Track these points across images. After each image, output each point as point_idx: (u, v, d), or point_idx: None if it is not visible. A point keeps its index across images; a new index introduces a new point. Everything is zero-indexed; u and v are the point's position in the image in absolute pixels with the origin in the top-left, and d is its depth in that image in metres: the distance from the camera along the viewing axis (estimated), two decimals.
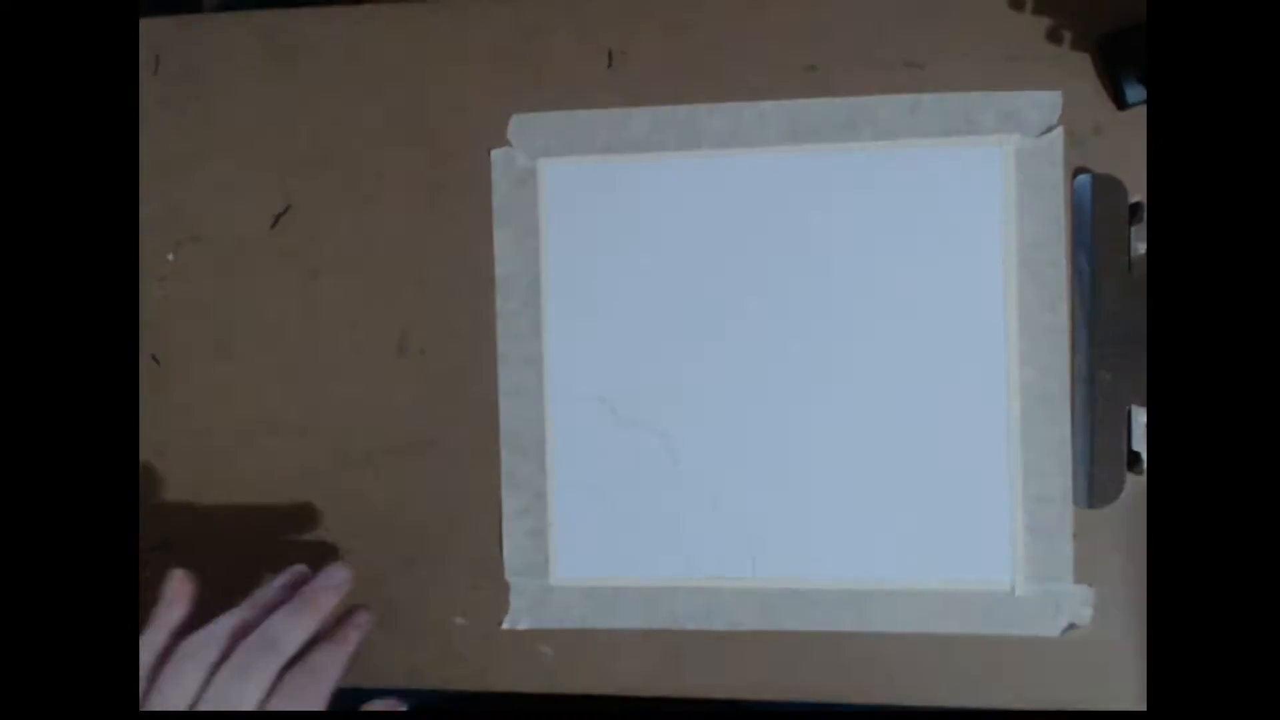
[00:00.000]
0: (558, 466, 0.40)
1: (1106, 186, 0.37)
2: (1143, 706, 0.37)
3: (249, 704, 0.33)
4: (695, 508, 0.39)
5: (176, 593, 0.36)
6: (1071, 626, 0.38)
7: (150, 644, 0.34)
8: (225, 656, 0.33)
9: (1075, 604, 0.38)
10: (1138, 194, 0.37)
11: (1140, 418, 0.37)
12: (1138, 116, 0.37)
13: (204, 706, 0.32)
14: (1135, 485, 0.37)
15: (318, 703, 0.34)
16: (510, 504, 0.40)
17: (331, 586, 0.36)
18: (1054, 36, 0.38)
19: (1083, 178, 0.38)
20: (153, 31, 0.42)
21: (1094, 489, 0.37)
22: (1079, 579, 0.38)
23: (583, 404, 0.40)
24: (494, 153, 0.40)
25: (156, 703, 0.33)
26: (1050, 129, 0.38)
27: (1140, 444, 0.37)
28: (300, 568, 0.37)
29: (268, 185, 0.41)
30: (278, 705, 0.33)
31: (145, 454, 0.42)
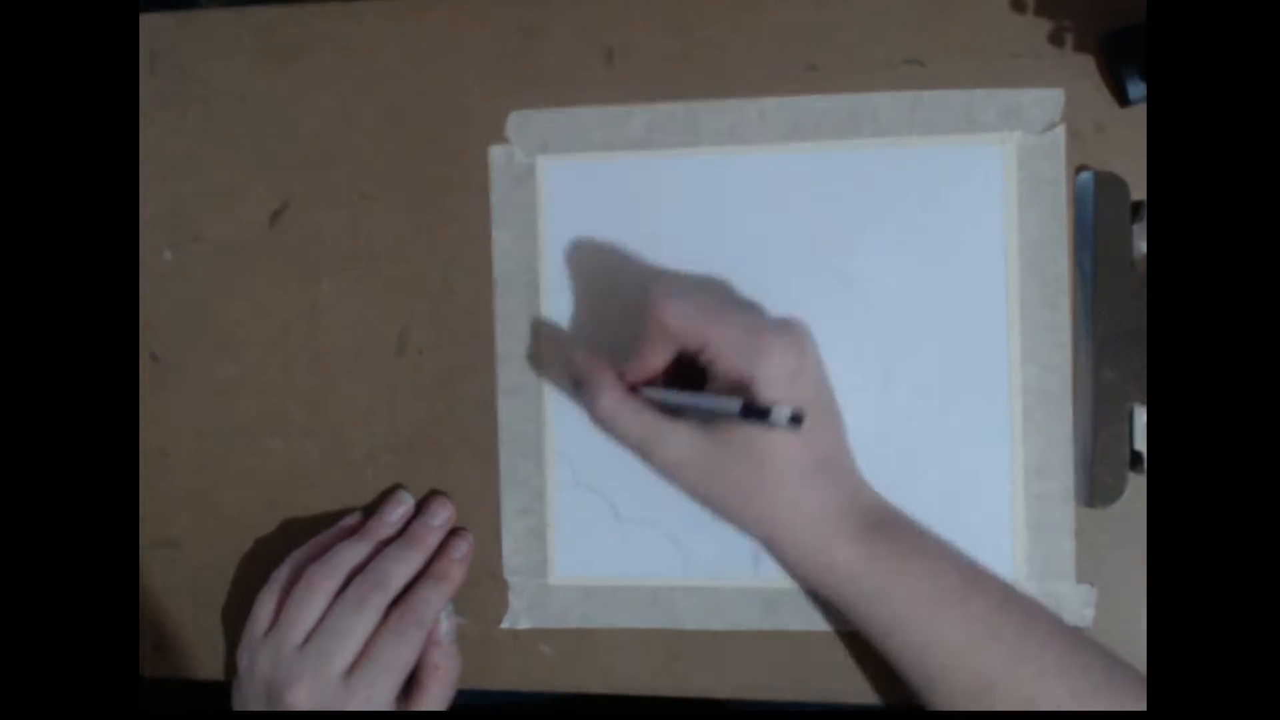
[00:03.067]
0: (558, 466, 0.40)
1: (1108, 184, 0.37)
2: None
3: (360, 636, 0.36)
4: (695, 507, 0.39)
5: (343, 522, 0.40)
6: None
7: (295, 563, 0.39)
8: (343, 589, 0.37)
9: (1076, 603, 0.38)
10: (1140, 192, 0.37)
11: (1142, 416, 0.37)
12: (1140, 114, 0.37)
13: (321, 635, 0.36)
14: (1137, 484, 0.37)
15: (418, 638, 0.37)
16: (510, 503, 0.40)
17: (436, 525, 0.39)
18: (1056, 34, 0.38)
19: (1085, 175, 0.38)
20: (149, 29, 0.42)
21: (1095, 488, 0.37)
22: (1080, 578, 0.38)
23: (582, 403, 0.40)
24: (493, 150, 0.40)
25: (283, 625, 0.37)
26: (1052, 126, 0.38)
27: (1142, 443, 0.37)
28: (407, 497, 0.40)
29: (267, 184, 0.41)
30: (383, 641, 0.36)
31: (145, 453, 0.42)
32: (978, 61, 0.38)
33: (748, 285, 0.39)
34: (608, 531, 0.40)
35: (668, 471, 0.35)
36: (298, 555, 0.39)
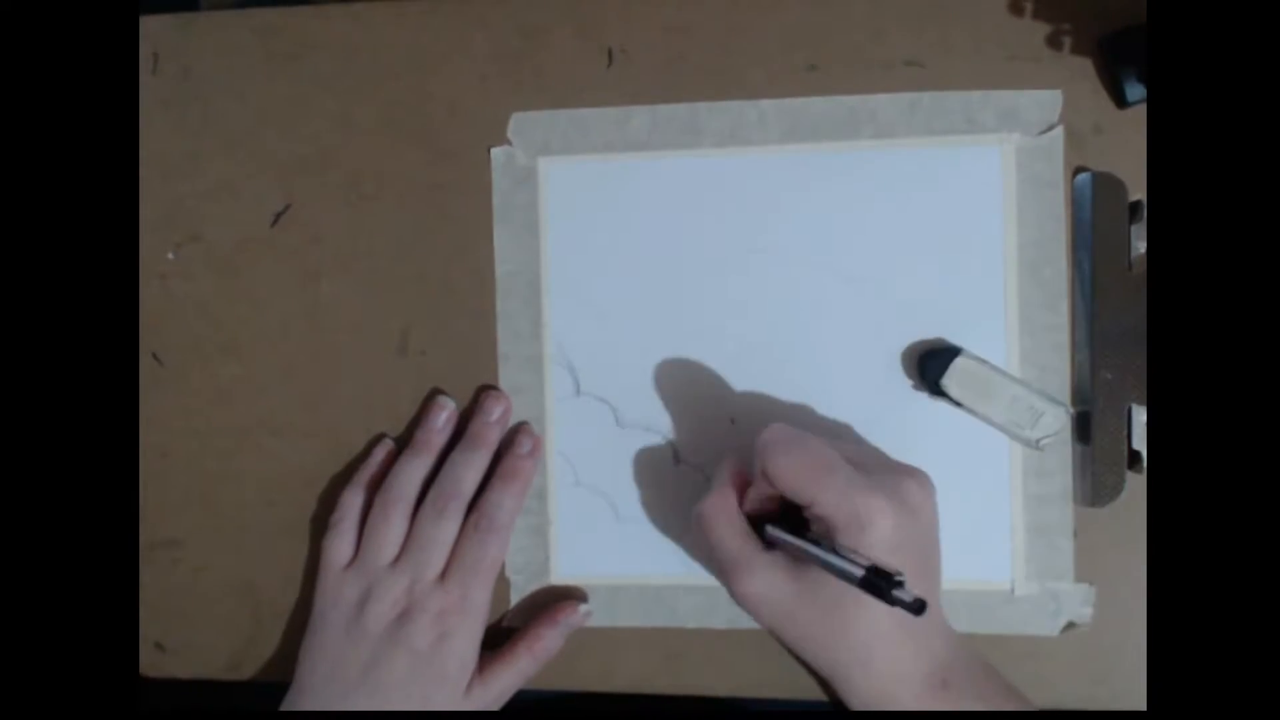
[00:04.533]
0: (558, 466, 0.40)
1: (1106, 185, 0.37)
2: (1143, 706, 0.37)
3: (446, 543, 0.37)
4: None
5: (377, 453, 0.40)
6: (1071, 625, 0.38)
7: (351, 502, 0.39)
8: (419, 502, 0.38)
9: (1075, 603, 0.38)
10: (1138, 193, 0.37)
11: (1140, 416, 0.37)
12: (1138, 115, 0.37)
13: (409, 549, 0.37)
14: (1135, 484, 0.37)
15: (499, 540, 0.38)
16: None
17: (494, 421, 0.39)
18: (1054, 36, 0.38)
19: (1083, 176, 0.38)
20: (151, 30, 0.42)
21: (1094, 488, 0.37)
22: (1079, 578, 0.38)
23: (583, 403, 0.40)
24: (494, 151, 0.40)
25: (368, 551, 0.38)
26: (1050, 128, 0.38)
27: (1140, 442, 0.37)
28: (448, 401, 0.40)
29: (267, 184, 0.41)
30: (466, 545, 0.37)
31: (146, 454, 0.42)
32: (977, 63, 0.38)
33: (748, 285, 0.39)
34: (608, 531, 0.40)
35: (746, 601, 0.34)
36: (349, 493, 0.39)
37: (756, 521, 0.34)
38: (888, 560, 0.31)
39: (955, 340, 0.38)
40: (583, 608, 0.39)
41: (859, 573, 0.30)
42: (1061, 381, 0.38)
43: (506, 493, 0.38)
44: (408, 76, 0.41)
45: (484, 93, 0.40)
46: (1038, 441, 0.36)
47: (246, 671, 0.42)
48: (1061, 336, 0.38)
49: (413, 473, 0.39)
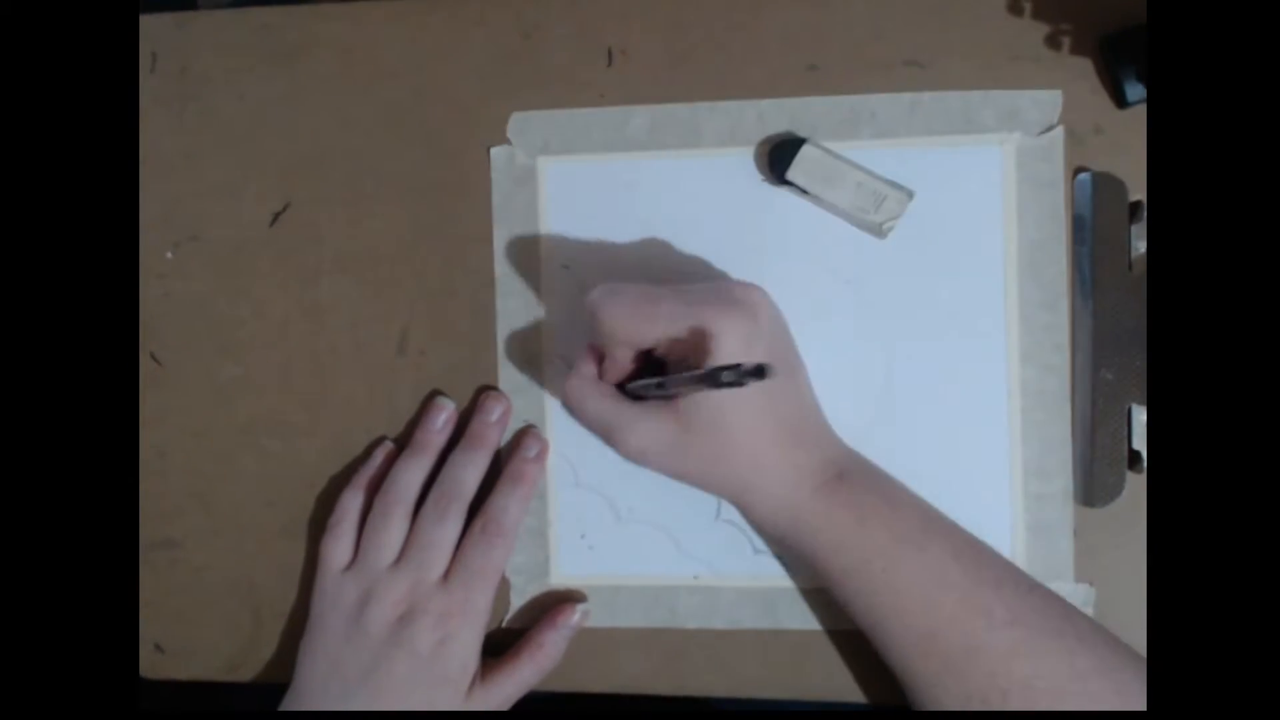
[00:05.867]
0: (558, 466, 0.40)
1: (1107, 185, 0.37)
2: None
3: (448, 545, 0.37)
4: (695, 508, 0.39)
5: (376, 455, 0.40)
6: None
7: (350, 504, 0.39)
8: (419, 504, 0.38)
9: (1075, 602, 0.38)
10: (1138, 193, 0.37)
11: (1140, 416, 0.37)
12: (1138, 115, 0.37)
13: (410, 551, 0.37)
14: (1135, 484, 0.37)
15: (504, 545, 0.38)
16: None
17: (495, 421, 0.39)
18: (1054, 36, 0.38)
19: (1083, 176, 0.38)
20: (149, 29, 0.42)
21: (1094, 487, 0.37)
22: (1079, 578, 0.38)
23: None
24: (493, 151, 0.40)
25: (368, 552, 0.37)
26: (1050, 128, 0.38)
27: (1141, 442, 0.37)
28: (447, 402, 0.40)
29: (267, 184, 0.41)
30: (471, 549, 0.37)
31: (145, 454, 0.42)
32: (977, 63, 0.38)
33: None
34: (608, 531, 0.40)
35: (635, 455, 0.35)
36: (348, 495, 0.39)
37: (622, 389, 0.36)
38: (742, 358, 0.31)
39: (954, 339, 0.38)
40: (581, 608, 0.39)
41: (700, 375, 0.30)
42: (1061, 381, 0.38)
43: (512, 496, 0.38)
44: (407, 76, 0.41)
45: (484, 93, 0.40)
46: (881, 225, 0.37)
47: (246, 673, 0.42)
48: (1061, 336, 0.38)
49: (412, 474, 0.38)
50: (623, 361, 0.35)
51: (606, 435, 0.35)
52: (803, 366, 0.36)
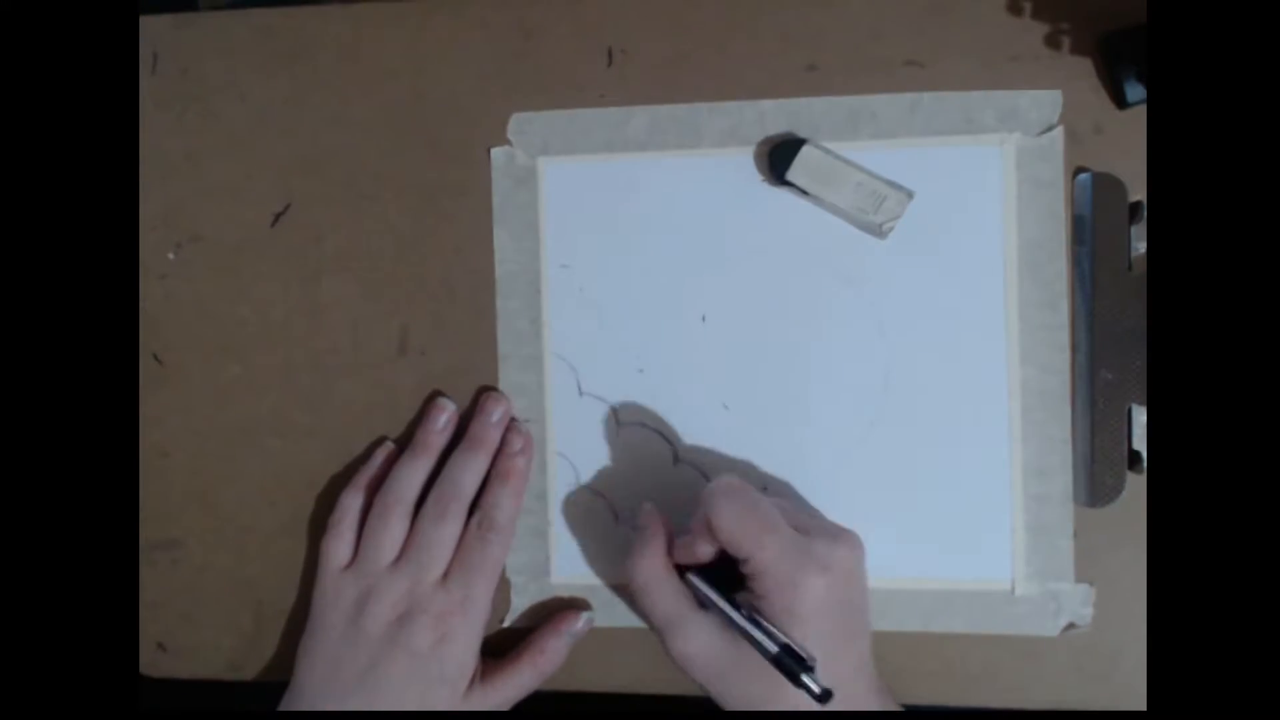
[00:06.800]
0: (558, 467, 0.40)
1: (1106, 185, 0.37)
2: (1143, 706, 0.37)
3: (448, 545, 0.37)
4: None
5: (377, 456, 0.40)
6: (1071, 626, 0.38)
7: (350, 504, 0.39)
8: (419, 503, 0.38)
9: (1075, 603, 0.38)
10: (1138, 193, 0.37)
11: (1140, 416, 0.37)
12: (1138, 116, 0.37)
13: (410, 550, 0.37)
14: (1135, 484, 0.37)
15: (501, 540, 0.38)
16: None
17: (495, 422, 0.39)
18: (1054, 36, 0.38)
19: (1083, 177, 0.38)
20: (150, 30, 0.42)
21: (1094, 488, 0.37)
22: (1079, 578, 0.38)
23: (583, 403, 0.40)
24: (494, 151, 0.40)
25: (368, 551, 0.37)
26: (1050, 128, 0.38)
27: (1140, 443, 0.37)
28: (448, 403, 0.40)
29: (267, 184, 0.41)
30: (469, 546, 0.37)
31: (145, 454, 0.42)
32: (976, 63, 0.38)
33: (748, 285, 0.39)
34: (608, 532, 0.40)
35: (681, 661, 0.34)
36: (348, 495, 0.39)
37: (686, 570, 0.35)
38: (817, 621, 0.32)
39: (954, 339, 0.38)
40: (585, 615, 0.39)
41: (773, 649, 0.31)
42: (1061, 381, 0.38)
43: (504, 493, 0.38)
44: (407, 76, 0.41)
45: (484, 93, 0.40)
46: (881, 225, 0.37)
47: (247, 672, 0.42)
48: (1062, 336, 0.38)
49: (413, 474, 0.39)
50: (701, 555, 0.34)
51: (660, 629, 0.34)
52: (868, 626, 0.35)
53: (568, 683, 0.40)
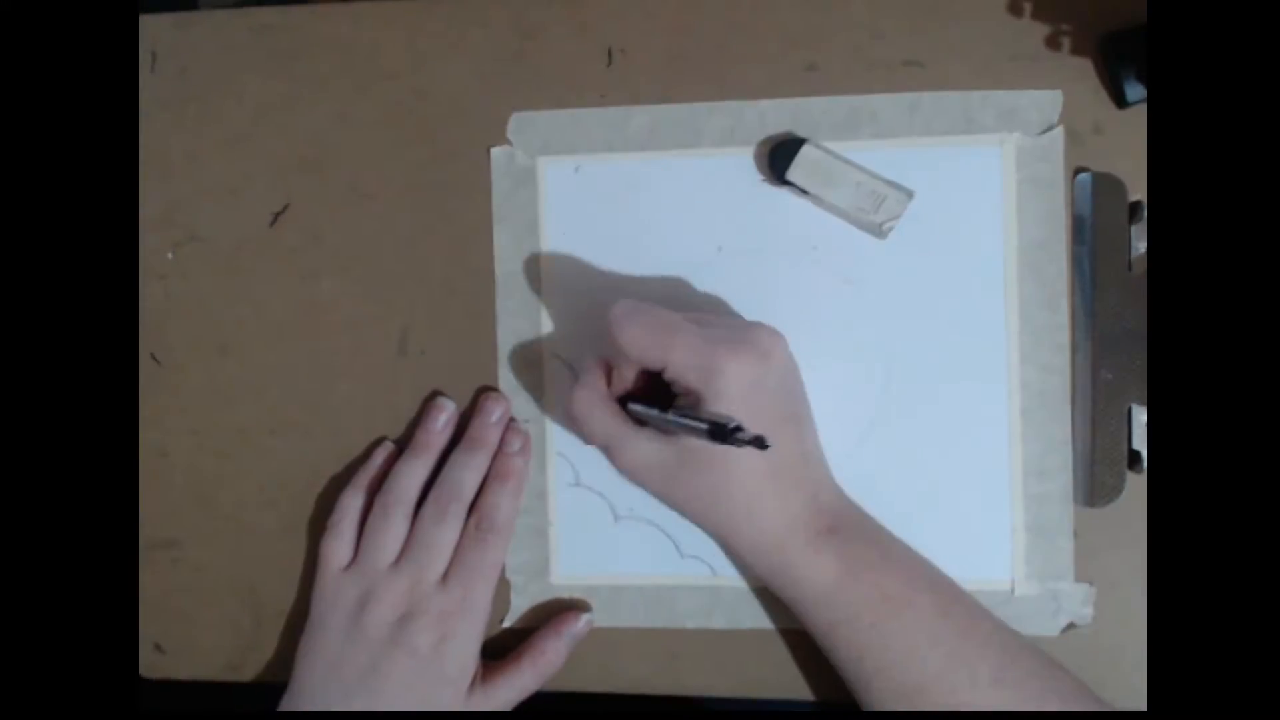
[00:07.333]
0: (558, 466, 0.40)
1: (1107, 185, 0.37)
2: (1143, 706, 0.37)
3: (448, 546, 0.38)
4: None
5: (376, 456, 0.40)
6: (1071, 626, 0.38)
7: (350, 504, 0.39)
8: (419, 504, 0.38)
9: (1075, 603, 0.38)
10: (1138, 193, 0.37)
11: (1141, 416, 0.37)
12: (1138, 115, 0.37)
13: (410, 551, 0.37)
14: (1135, 484, 0.37)
15: (500, 541, 0.38)
16: None
17: (495, 422, 0.39)
18: (1053, 36, 0.38)
19: (1083, 176, 0.38)
20: (149, 29, 0.42)
21: (1094, 487, 0.37)
22: (1079, 578, 0.38)
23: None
24: (493, 151, 0.40)
25: (368, 552, 0.38)
26: (1050, 128, 0.38)
27: (1141, 442, 0.37)
28: (448, 403, 0.40)
29: (266, 184, 0.41)
30: (468, 547, 0.38)
31: (145, 453, 0.42)
32: (976, 63, 0.38)
33: (747, 285, 0.39)
34: (608, 531, 0.40)
35: (630, 474, 0.35)
36: (348, 495, 0.39)
37: (626, 401, 0.36)
38: (744, 403, 0.32)
39: (954, 339, 0.38)
40: (585, 617, 0.39)
41: (703, 426, 0.31)
42: (1062, 381, 0.38)
43: (502, 493, 0.38)
44: (407, 76, 0.41)
45: (484, 93, 0.40)
46: (881, 225, 0.37)
47: (246, 672, 0.42)
48: (1061, 336, 0.38)
49: (412, 475, 0.39)
50: (630, 379, 0.35)
51: (605, 448, 0.36)
52: (809, 416, 0.36)
53: (568, 683, 0.40)
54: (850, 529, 0.35)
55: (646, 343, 0.33)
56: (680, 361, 0.33)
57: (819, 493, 0.35)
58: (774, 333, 0.34)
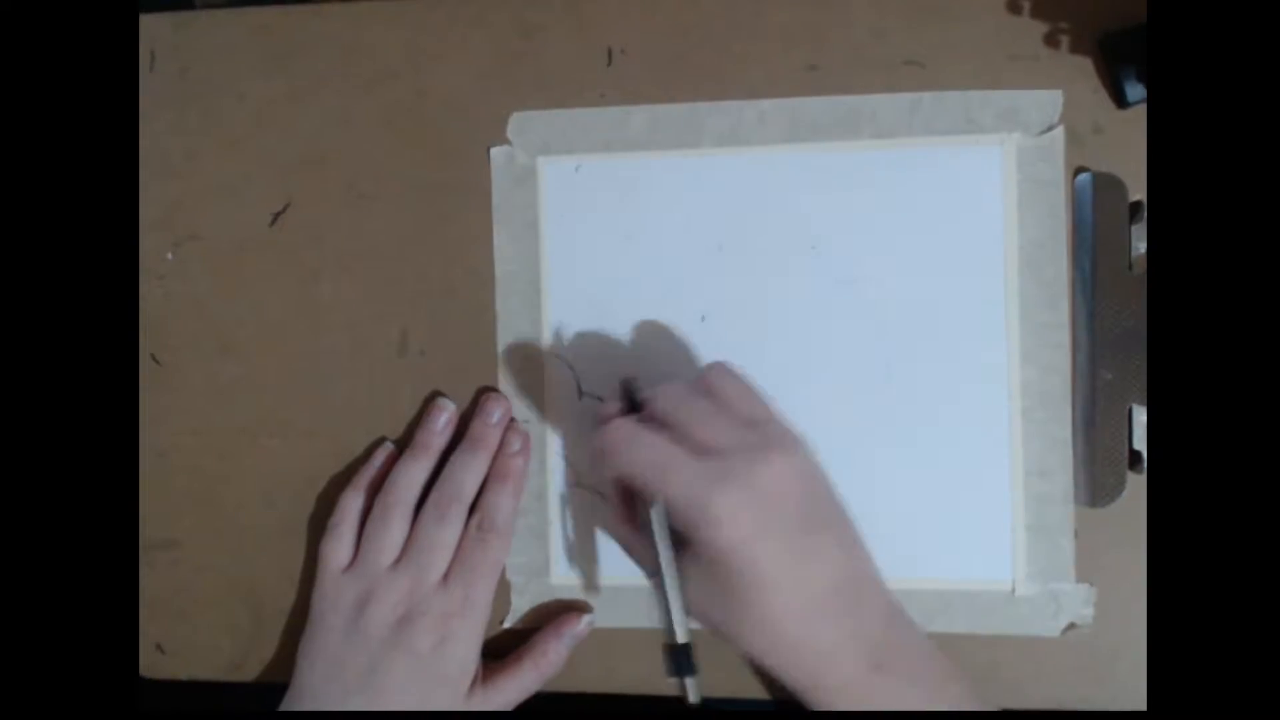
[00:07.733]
0: (558, 466, 0.40)
1: (1107, 185, 0.37)
2: (1143, 706, 0.37)
3: (449, 546, 0.37)
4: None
5: (377, 457, 0.40)
6: (1072, 626, 0.38)
7: (350, 505, 0.39)
8: (420, 505, 0.38)
9: (1076, 603, 0.38)
10: (1138, 193, 0.37)
11: (1141, 416, 0.37)
12: (1138, 115, 0.37)
13: (411, 551, 0.37)
14: (1135, 484, 0.37)
15: (500, 542, 0.38)
16: None
17: (495, 423, 0.39)
18: (1053, 36, 0.38)
19: (1083, 177, 0.38)
20: (148, 29, 0.42)
21: (1095, 488, 0.37)
22: (1080, 578, 0.38)
23: (583, 404, 0.40)
24: (493, 151, 0.40)
25: (368, 553, 0.37)
26: (1050, 128, 0.38)
27: (1141, 443, 0.37)
28: (448, 404, 0.40)
29: (266, 184, 0.41)
30: (469, 547, 0.38)
31: (145, 454, 0.42)
32: (976, 63, 0.38)
33: (748, 285, 0.39)
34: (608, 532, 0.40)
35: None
36: (348, 495, 0.39)
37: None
38: (750, 550, 0.29)
39: (954, 339, 0.38)
40: (586, 618, 0.39)
41: (669, 638, 0.31)
42: (1062, 381, 0.38)
43: (502, 493, 0.38)
44: (407, 76, 0.41)
45: (484, 93, 0.40)
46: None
47: (246, 673, 0.42)
48: (1061, 336, 0.38)
49: (413, 475, 0.39)
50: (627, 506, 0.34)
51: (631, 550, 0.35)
52: (848, 521, 0.32)
53: (569, 684, 0.40)
54: (899, 666, 0.31)
55: (642, 478, 0.31)
56: (679, 502, 0.30)
57: (869, 624, 0.31)
58: (789, 456, 0.31)
